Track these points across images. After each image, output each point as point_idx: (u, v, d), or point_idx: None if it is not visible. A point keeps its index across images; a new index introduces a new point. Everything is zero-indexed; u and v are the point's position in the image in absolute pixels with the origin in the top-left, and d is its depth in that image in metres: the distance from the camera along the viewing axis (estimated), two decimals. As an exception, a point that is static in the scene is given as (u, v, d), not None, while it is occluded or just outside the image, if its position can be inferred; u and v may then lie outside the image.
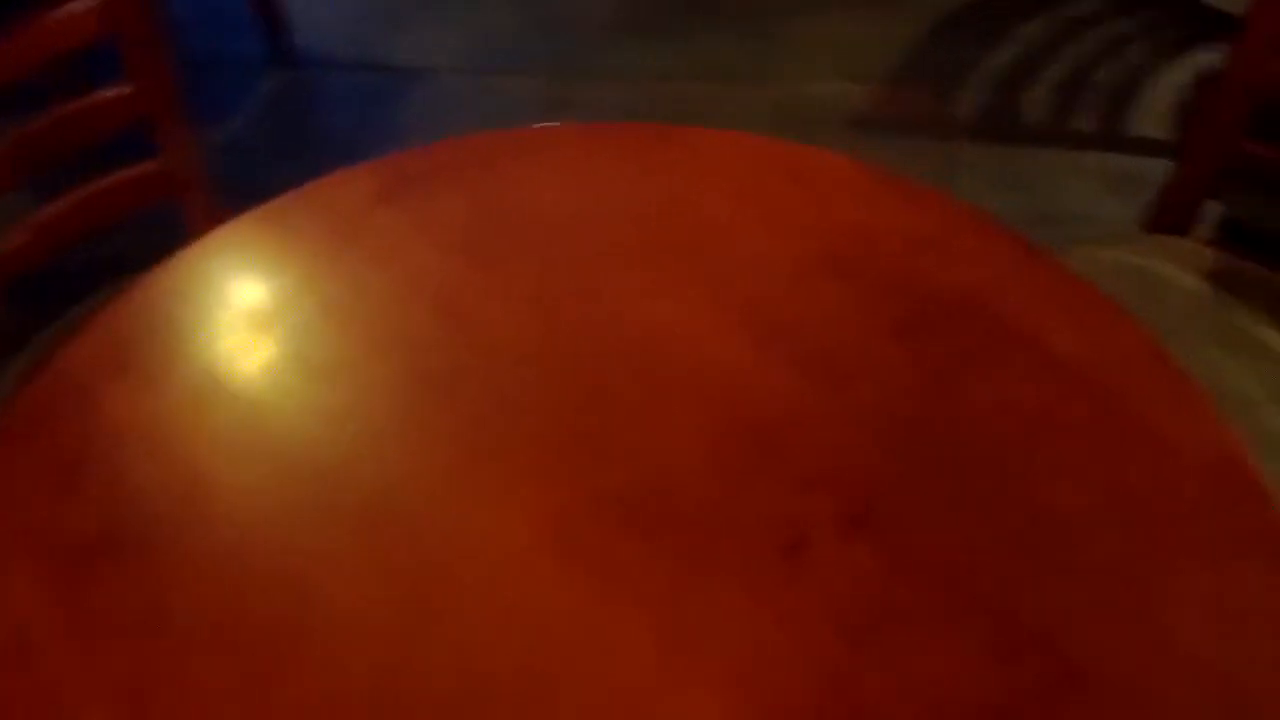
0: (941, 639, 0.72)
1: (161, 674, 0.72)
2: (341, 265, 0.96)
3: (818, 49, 2.34)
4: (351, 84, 2.32)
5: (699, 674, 0.71)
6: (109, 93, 1.18)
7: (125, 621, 0.74)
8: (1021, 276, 0.93)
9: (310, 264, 0.96)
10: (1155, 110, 2.15)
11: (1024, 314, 0.90)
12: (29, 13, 1.10)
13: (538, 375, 0.87)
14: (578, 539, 0.77)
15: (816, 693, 0.70)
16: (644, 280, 0.94)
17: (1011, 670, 0.70)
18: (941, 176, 2.04)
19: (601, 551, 0.77)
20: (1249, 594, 0.74)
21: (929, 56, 2.31)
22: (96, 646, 0.73)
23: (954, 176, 2.05)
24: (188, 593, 0.75)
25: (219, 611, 0.75)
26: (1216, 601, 0.73)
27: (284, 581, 0.76)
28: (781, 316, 0.91)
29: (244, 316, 0.92)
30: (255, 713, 0.70)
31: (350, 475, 0.82)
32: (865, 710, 0.69)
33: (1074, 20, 2.35)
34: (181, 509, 0.80)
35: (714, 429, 0.83)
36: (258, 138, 2.20)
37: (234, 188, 1.31)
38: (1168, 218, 1.29)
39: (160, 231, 1.26)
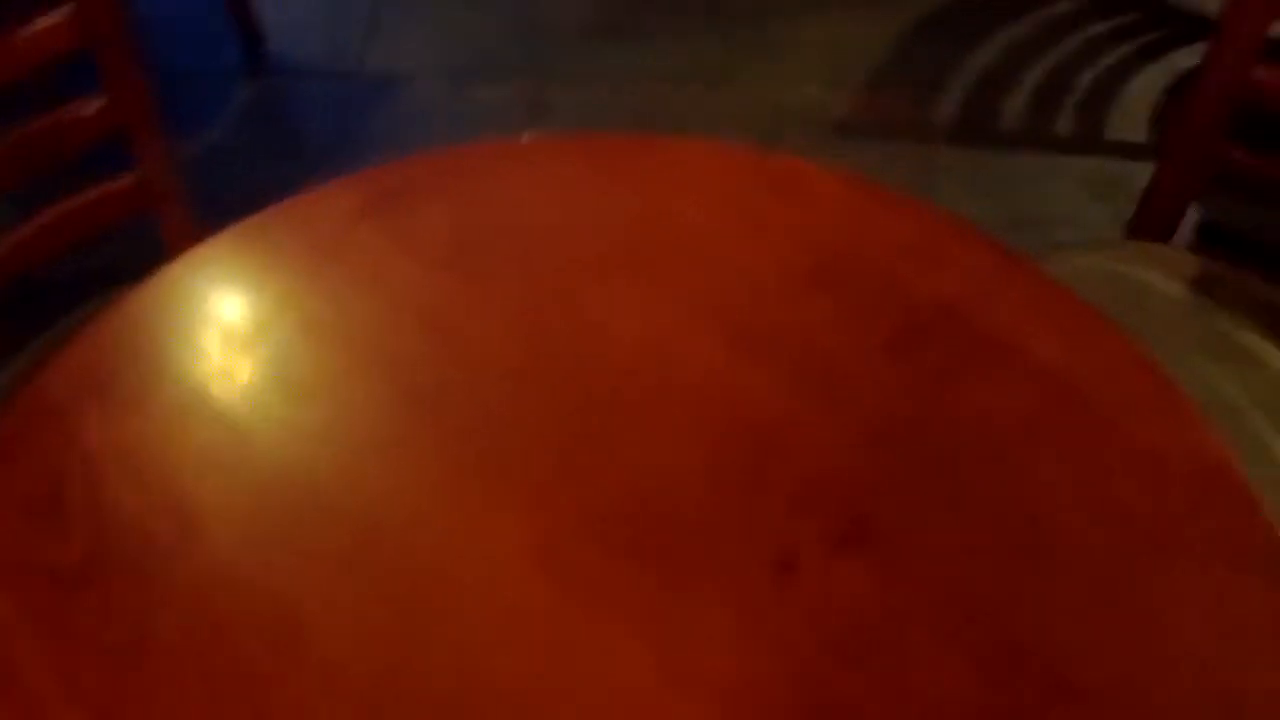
0: (934, 656, 0.71)
1: (144, 702, 0.71)
2: (323, 282, 0.95)
3: (796, 52, 2.34)
4: (328, 92, 2.31)
5: (689, 693, 0.70)
6: (83, 105, 1.17)
7: (107, 648, 0.73)
8: (1004, 285, 0.93)
9: (292, 281, 0.95)
10: (1134, 113, 2.16)
11: (1008, 324, 0.90)
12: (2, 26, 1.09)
13: (523, 391, 0.87)
14: (566, 558, 0.77)
15: (807, 712, 0.69)
16: (629, 294, 0.93)
17: (1005, 686, 0.70)
18: (920, 181, 2.05)
19: (590, 570, 0.76)
20: (1239, 601, 0.74)
21: (906, 60, 2.32)
22: (78, 675, 0.72)
23: (933, 181, 2.05)
24: (171, 619, 0.75)
25: (203, 638, 0.74)
26: (1207, 609, 0.74)
27: (268, 606, 0.75)
28: (767, 329, 0.90)
29: (225, 336, 0.91)
30: (241, 741, 0.70)
31: (335, 496, 0.81)
32: (858, 730, 0.69)
33: (1051, 24, 2.36)
34: (163, 533, 0.79)
35: (703, 444, 0.83)
36: (234, 148, 2.18)
37: (211, 199, 1.30)
38: (1149, 223, 1.29)
39: (150, 242, 1.26)
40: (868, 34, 2.37)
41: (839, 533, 0.77)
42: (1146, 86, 2.21)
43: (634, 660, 0.72)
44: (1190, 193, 1.28)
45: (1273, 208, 1.71)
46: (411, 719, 0.70)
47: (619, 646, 0.73)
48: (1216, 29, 1.19)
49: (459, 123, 2.21)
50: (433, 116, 2.24)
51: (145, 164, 1.23)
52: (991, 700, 0.70)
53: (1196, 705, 0.69)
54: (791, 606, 0.74)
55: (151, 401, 0.87)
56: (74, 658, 0.73)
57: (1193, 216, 1.37)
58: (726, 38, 2.38)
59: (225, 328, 0.92)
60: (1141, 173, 1.33)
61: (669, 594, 0.75)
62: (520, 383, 0.87)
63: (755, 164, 1.05)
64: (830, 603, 0.74)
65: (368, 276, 0.95)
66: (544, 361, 0.89)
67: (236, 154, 2.17)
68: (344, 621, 0.74)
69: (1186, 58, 2.24)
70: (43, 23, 1.11)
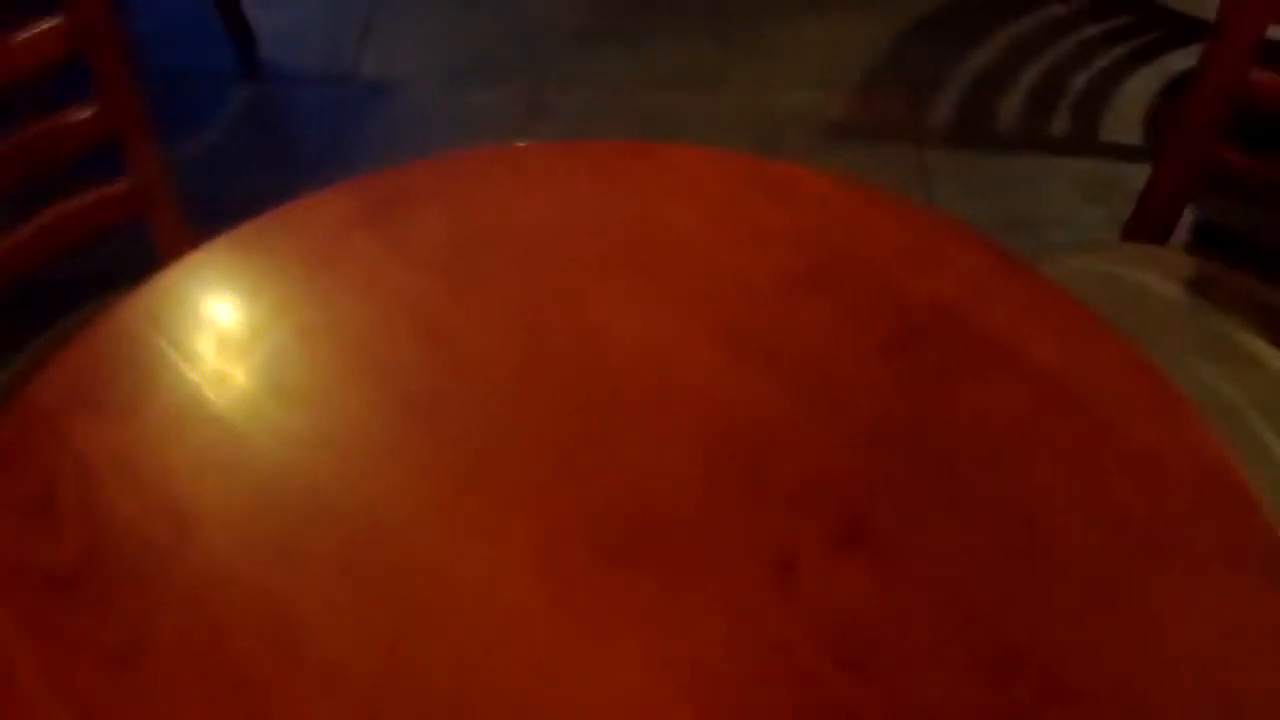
0: (934, 657, 0.71)
1: (140, 704, 0.71)
2: (319, 289, 0.94)
3: (791, 54, 2.34)
4: (322, 96, 2.30)
5: (688, 693, 0.70)
6: (76, 111, 1.17)
7: (103, 651, 0.73)
8: (1000, 287, 0.94)
9: (287, 288, 0.95)
10: (1128, 115, 2.17)
11: (1004, 325, 0.90)
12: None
13: (520, 397, 0.86)
14: (564, 564, 0.77)
15: (806, 712, 0.69)
16: (626, 299, 0.93)
17: (1003, 686, 0.70)
18: (915, 183, 2.05)
19: (589, 571, 0.76)
20: (1238, 602, 0.74)
21: (902, 62, 2.32)
22: (73, 677, 0.72)
23: (928, 183, 2.05)
24: (167, 621, 0.74)
25: (199, 640, 0.73)
26: (1206, 610, 0.74)
27: (265, 608, 0.75)
28: (764, 333, 0.90)
29: (220, 341, 0.91)
30: (238, 746, 0.69)
31: (333, 498, 0.81)
32: (858, 731, 0.68)
33: (1046, 26, 2.36)
34: (159, 536, 0.78)
35: (701, 448, 0.83)
36: (228, 153, 2.18)
37: (206, 203, 1.30)
38: (1146, 224, 1.29)
39: (148, 246, 1.26)
40: (862, 36, 2.37)
41: (837, 533, 0.77)
42: (1140, 89, 2.21)
43: (633, 660, 0.72)
44: (1187, 194, 1.28)
45: (1269, 209, 1.72)
46: (414, 718, 0.70)
47: (618, 647, 0.72)
48: (1214, 30, 1.19)
49: (455, 126, 2.21)
50: (429, 120, 2.23)
51: (137, 169, 1.23)
52: (989, 700, 0.70)
53: (1195, 706, 0.69)
54: (790, 607, 0.74)
55: (147, 406, 0.86)
56: (69, 660, 0.73)
57: (1189, 218, 1.37)
58: (724, 39, 2.38)
59: (221, 333, 0.92)
60: (1135, 174, 1.33)
61: (668, 594, 0.75)
62: (517, 386, 0.87)
63: (750, 168, 1.05)
64: (829, 603, 0.74)
65: (363, 282, 0.95)
66: (541, 365, 0.89)
67: (232, 158, 2.16)
68: (341, 623, 0.74)
69: (1180, 60, 2.24)
70: (36, 28, 1.11)
